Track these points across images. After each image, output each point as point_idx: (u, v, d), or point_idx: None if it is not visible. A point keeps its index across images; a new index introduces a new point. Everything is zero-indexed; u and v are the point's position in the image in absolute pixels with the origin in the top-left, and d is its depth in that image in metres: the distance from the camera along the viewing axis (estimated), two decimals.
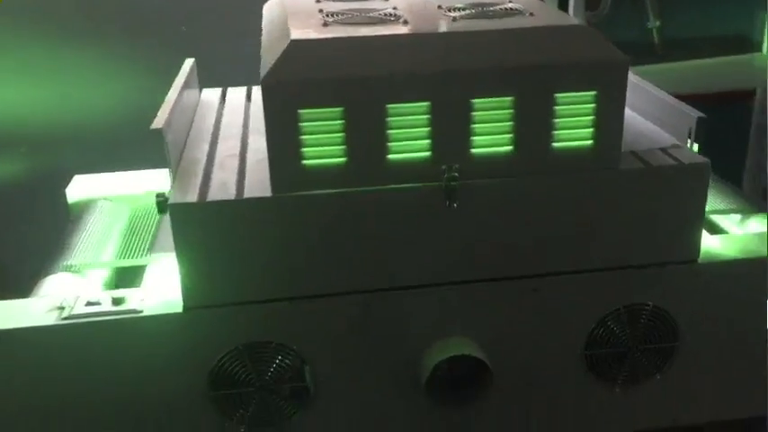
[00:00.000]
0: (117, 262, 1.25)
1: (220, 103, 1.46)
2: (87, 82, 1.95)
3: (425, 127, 1.01)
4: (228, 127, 1.31)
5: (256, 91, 1.50)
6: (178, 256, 1.01)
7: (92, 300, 1.06)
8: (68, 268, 1.22)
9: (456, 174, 1.02)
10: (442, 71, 0.99)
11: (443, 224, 1.05)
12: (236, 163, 1.14)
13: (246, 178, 1.07)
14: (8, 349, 1.02)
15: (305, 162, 1.00)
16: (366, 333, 1.10)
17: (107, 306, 1.05)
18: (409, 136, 1.01)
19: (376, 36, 1.01)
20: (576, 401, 1.18)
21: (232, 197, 1.01)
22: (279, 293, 1.05)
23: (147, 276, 1.19)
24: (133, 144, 1.95)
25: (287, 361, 1.09)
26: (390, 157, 1.01)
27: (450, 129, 1.01)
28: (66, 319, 1.03)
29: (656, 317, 1.15)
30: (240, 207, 1.01)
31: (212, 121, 1.35)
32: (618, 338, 1.15)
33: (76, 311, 1.04)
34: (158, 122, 1.02)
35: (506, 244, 1.07)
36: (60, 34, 1.89)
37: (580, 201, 1.07)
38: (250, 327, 1.07)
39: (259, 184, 1.04)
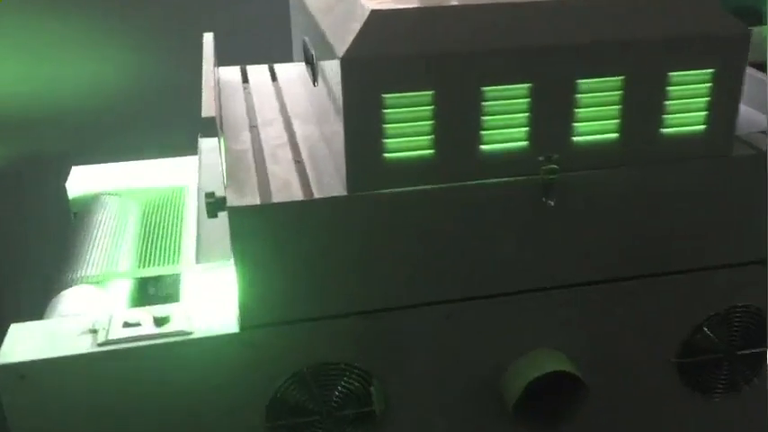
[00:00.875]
0: (146, 271, 1.09)
1: (243, 83, 1.29)
2: (74, 58, 1.74)
3: (524, 113, 0.87)
4: (264, 111, 1.15)
5: (280, 70, 1.34)
6: (237, 266, 0.86)
7: (129, 320, 0.90)
8: (87, 280, 1.05)
9: (555, 165, 0.89)
10: (547, 47, 0.85)
11: (538, 223, 0.92)
12: (288, 154, 0.99)
13: (309, 173, 0.92)
14: (37, 383, 0.85)
15: (387, 155, 0.85)
16: (444, 348, 0.97)
17: (149, 327, 0.90)
18: (505, 123, 0.87)
19: (470, 6, 0.86)
20: (670, 414, 1.07)
21: (300, 197, 0.86)
22: (351, 307, 0.91)
23: (185, 288, 1.03)
24: (129, 129, 1.78)
25: (355, 383, 0.95)
26: (483, 147, 0.87)
27: (551, 114, 0.88)
28: (103, 344, 0.87)
29: (756, 319, 1.04)
30: (311, 209, 0.86)
31: (242, 104, 1.18)
32: (715, 344, 1.04)
33: (114, 335, 0.88)
34: (208, 109, 0.86)
35: (606, 243, 0.95)
36: (46, 4, 1.68)
37: (689, 192, 0.94)
38: (317, 347, 0.92)
39: (327, 180, 0.89)
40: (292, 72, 1.33)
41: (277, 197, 0.86)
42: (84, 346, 0.87)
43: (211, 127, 0.88)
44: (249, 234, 0.85)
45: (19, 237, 1.78)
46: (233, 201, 0.84)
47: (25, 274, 1.73)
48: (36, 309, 1.12)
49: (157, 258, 1.14)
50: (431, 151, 0.86)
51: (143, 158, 1.46)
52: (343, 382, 0.95)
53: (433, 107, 0.84)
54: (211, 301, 0.95)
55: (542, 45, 0.85)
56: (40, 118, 1.73)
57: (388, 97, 0.82)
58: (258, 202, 0.85)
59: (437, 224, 0.89)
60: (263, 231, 0.85)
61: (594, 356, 1.00)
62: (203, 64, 1.07)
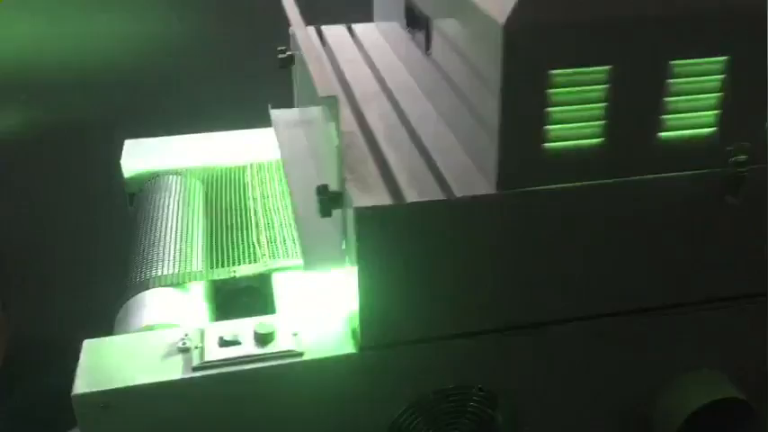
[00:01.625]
0: (224, 271, 0.94)
1: (322, 47, 1.13)
2: (98, 15, 1.56)
3: (716, 92, 0.71)
4: (358, 83, 0.99)
5: (359, 31, 1.18)
6: (361, 276, 0.71)
7: (226, 336, 0.76)
8: (162, 280, 0.91)
9: (745, 157, 0.73)
10: (756, 10, 0.68)
11: (719, 223, 0.76)
12: (405, 138, 0.83)
13: (438, 164, 0.76)
14: (122, 412, 0.71)
15: (548, 145, 0.69)
16: (589, 369, 0.82)
17: (250, 346, 0.75)
18: (693, 105, 0.71)
19: None
20: None
21: (440, 195, 0.70)
22: (491, 323, 0.76)
23: (280, 294, 0.88)
24: (180, 98, 1.62)
25: (485, 409, 0.81)
26: (662, 135, 0.71)
27: (748, 93, 0.71)
28: (199, 368, 0.73)
29: None
30: (454, 210, 0.70)
31: (331, 74, 1.02)
32: None
33: (211, 356, 0.74)
34: (326, 87, 0.70)
35: None
36: None
37: None
38: (443, 368, 0.78)
39: (463, 173, 0.74)
40: (373, 34, 1.16)
41: (411, 195, 0.70)
42: (176, 369, 0.73)
43: (309, 100, 0.72)
44: (378, 239, 0.70)
45: (67, 223, 1.63)
46: (360, 200, 0.69)
47: (76, 266, 1.59)
48: (94, 310, 0.99)
49: (233, 253, 0.99)
50: (600, 140, 0.70)
51: (200, 131, 1.30)
52: (469, 407, 0.81)
53: (608, 86, 0.68)
54: (314, 313, 0.80)
55: (747, 9, 0.68)
56: (77, 82, 1.57)
57: (557, 74, 0.66)
58: (389, 201, 0.70)
59: (601, 226, 0.74)
60: (393, 236, 0.70)
61: (760, 377, 0.86)
62: (294, 29, 0.90)
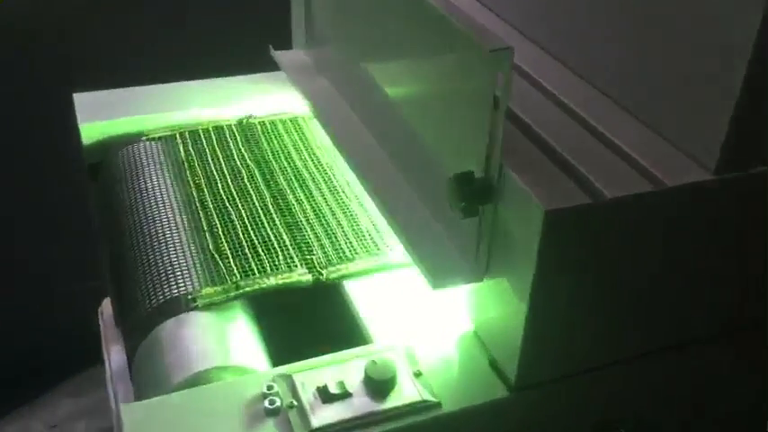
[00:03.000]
0: (282, 280, 0.70)
1: None
2: None
3: None
4: None
5: None
6: (537, 295, 0.51)
7: (332, 388, 0.54)
8: (186, 301, 0.65)
9: None
10: None
11: None
12: (555, 109, 0.62)
13: (621, 146, 0.56)
14: None
15: None
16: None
17: (363, 397, 0.54)
18: None
19: None
20: None
21: (646, 186, 0.51)
22: (651, 343, 0.59)
23: (366, 314, 0.65)
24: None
25: None
26: None
27: None
28: None
29: None
30: (665, 201, 0.51)
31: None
32: None
33: (319, 419, 0.52)
34: (495, 39, 0.48)
35: None
36: None
37: None
38: (602, 400, 0.60)
39: (664, 153, 0.54)
40: None
41: (609, 189, 0.50)
42: None
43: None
44: (567, 248, 0.50)
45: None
46: (546, 197, 0.48)
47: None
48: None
49: (267, 253, 0.74)
50: None
51: (169, 80, 1.02)
52: None
53: None
54: (419, 337, 0.60)
55: None
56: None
57: None
58: (586, 199, 0.49)
59: None
60: (587, 243, 0.50)
61: None
62: None
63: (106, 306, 1.11)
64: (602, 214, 0.50)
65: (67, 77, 0.98)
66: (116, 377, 0.99)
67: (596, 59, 0.63)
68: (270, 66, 0.95)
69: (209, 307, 0.65)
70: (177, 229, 0.75)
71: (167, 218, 0.77)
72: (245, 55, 0.94)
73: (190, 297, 0.65)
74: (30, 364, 1.37)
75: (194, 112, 0.95)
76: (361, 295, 0.67)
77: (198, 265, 0.70)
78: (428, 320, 0.64)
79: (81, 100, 0.94)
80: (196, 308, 0.64)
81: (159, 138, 0.90)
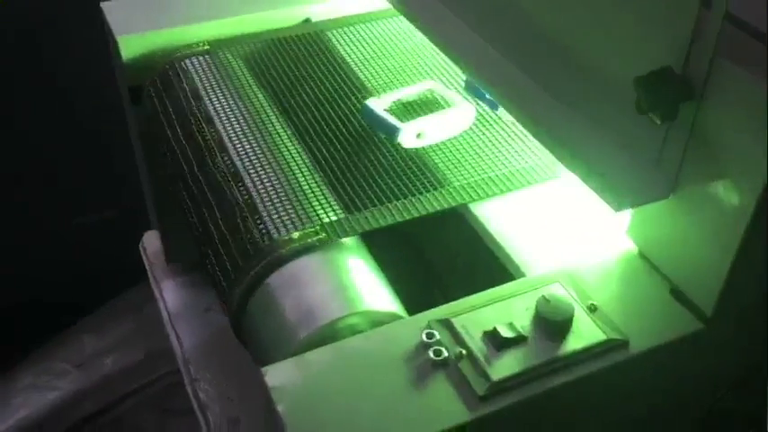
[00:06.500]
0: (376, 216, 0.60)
1: None
2: None
3: None
4: None
5: None
6: (760, 211, 0.43)
7: (503, 332, 0.46)
8: (291, 244, 0.55)
9: None
10: None
11: None
12: None
13: None
14: None
15: None
16: None
17: (540, 341, 0.46)
18: None
19: None
20: None
21: None
22: None
23: (507, 242, 0.56)
24: None
25: None
26: None
27: None
28: (491, 396, 0.43)
29: None
30: None
31: None
32: None
33: (499, 371, 0.44)
34: None
35: None
36: None
37: None
38: None
39: None
40: None
41: None
42: (453, 404, 0.43)
43: None
44: None
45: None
46: None
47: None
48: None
49: (373, 181, 0.63)
50: None
51: None
52: None
53: None
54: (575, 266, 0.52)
55: None
56: None
57: None
58: None
59: None
60: None
61: None
62: None
63: (149, 240, 1.01)
64: None
65: None
66: (174, 318, 0.92)
67: None
68: None
69: (325, 247, 0.55)
70: (276, 160, 0.64)
71: (260, 149, 0.65)
72: None
73: (300, 239, 0.55)
74: (45, 302, 1.28)
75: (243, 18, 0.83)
76: (493, 219, 0.58)
77: (304, 201, 0.59)
78: (571, 243, 0.56)
79: (110, 8, 0.82)
80: (311, 249, 0.55)
81: (215, 49, 0.78)
